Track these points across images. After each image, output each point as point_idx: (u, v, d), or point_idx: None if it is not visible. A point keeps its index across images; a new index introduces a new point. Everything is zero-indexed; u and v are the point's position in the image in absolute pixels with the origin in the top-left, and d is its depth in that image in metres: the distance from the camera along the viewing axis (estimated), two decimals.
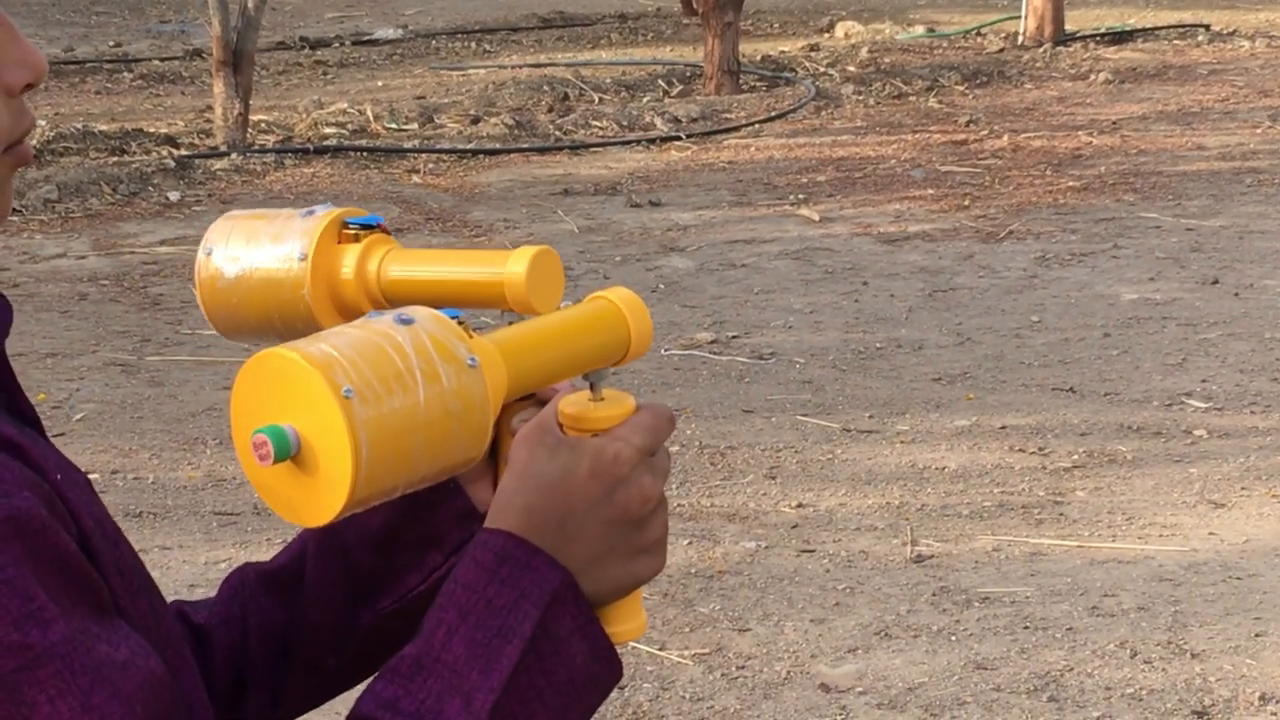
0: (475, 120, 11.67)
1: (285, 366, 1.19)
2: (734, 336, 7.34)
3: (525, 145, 11.11)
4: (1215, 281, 8.00)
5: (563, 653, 1.28)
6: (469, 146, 11.02)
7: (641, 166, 10.66)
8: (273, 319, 1.48)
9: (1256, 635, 4.63)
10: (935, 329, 7.45)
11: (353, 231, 1.49)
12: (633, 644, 4.67)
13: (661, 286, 8.17)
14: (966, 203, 9.59)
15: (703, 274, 8.38)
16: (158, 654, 1.20)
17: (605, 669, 1.31)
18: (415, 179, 10.32)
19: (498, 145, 11.07)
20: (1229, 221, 9.10)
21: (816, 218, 9.35)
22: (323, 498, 1.19)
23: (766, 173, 10.45)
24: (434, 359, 1.22)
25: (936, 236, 8.96)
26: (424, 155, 10.83)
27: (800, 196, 9.81)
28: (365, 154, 10.80)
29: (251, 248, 1.48)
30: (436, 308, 1.51)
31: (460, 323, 1.29)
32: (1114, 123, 11.60)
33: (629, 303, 1.40)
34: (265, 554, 5.27)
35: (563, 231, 9.14)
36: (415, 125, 11.66)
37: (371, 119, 11.67)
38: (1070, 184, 9.96)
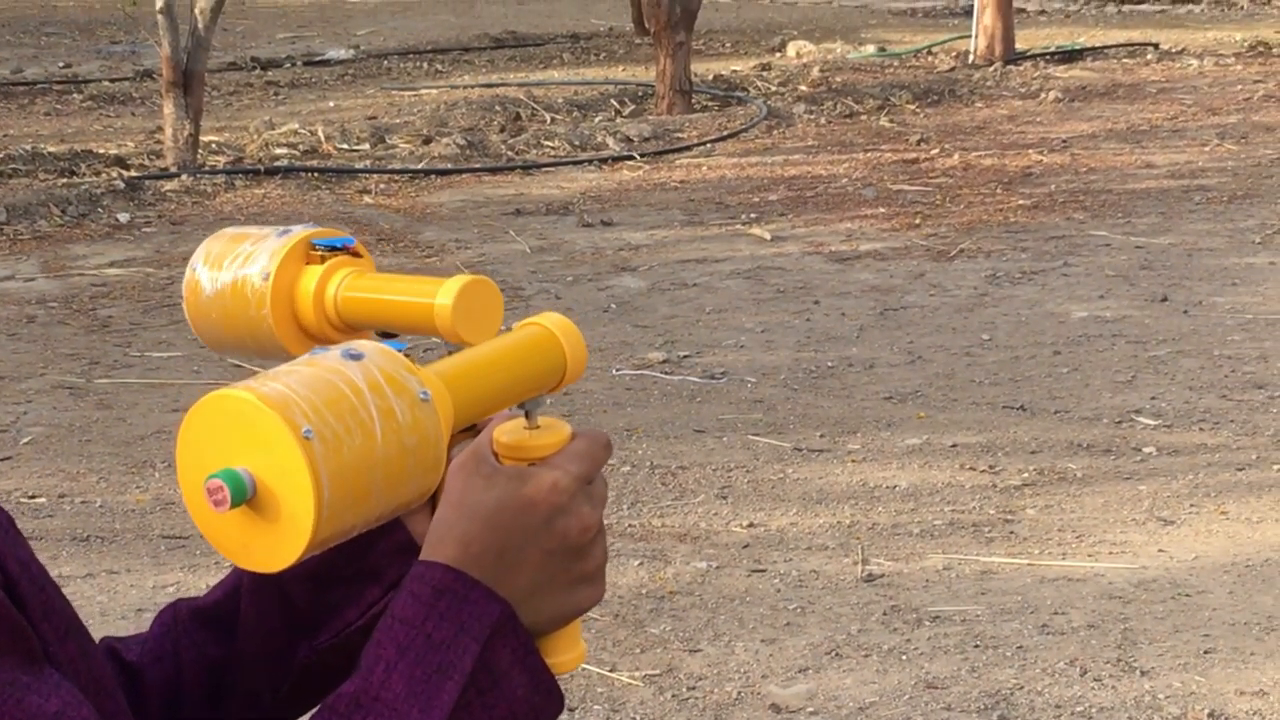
0: (427, 140, 11.66)
1: (239, 408, 1.16)
2: (685, 356, 7.34)
3: (477, 165, 11.11)
4: (1164, 299, 8.04)
5: (503, 686, 1.26)
6: (420, 167, 11.01)
7: (594, 186, 10.67)
8: (244, 337, 1.48)
9: (1205, 652, 4.64)
10: (886, 347, 7.46)
11: (319, 253, 1.49)
12: (584, 665, 4.66)
13: (613, 306, 8.16)
14: (918, 221, 9.62)
15: (655, 293, 8.38)
16: (90, 700, 1.19)
17: (546, 700, 1.29)
18: (367, 199, 10.30)
19: (449, 165, 11.06)
20: (1178, 239, 9.14)
21: (768, 237, 9.36)
22: (282, 542, 1.17)
23: (718, 192, 10.46)
24: (388, 394, 1.21)
25: (888, 255, 8.98)
26: (375, 176, 10.81)
27: (752, 215, 9.82)
28: (316, 175, 10.78)
29: (228, 265, 1.48)
30: (381, 336, 1.51)
31: (407, 355, 1.28)
32: (1064, 141, 11.66)
33: (563, 328, 1.40)
34: (214, 578, 5.24)
35: (515, 251, 9.13)
36: (367, 145, 11.64)
37: (323, 139, 11.65)
38: (1021, 202, 10.00)
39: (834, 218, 9.78)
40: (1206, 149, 11.34)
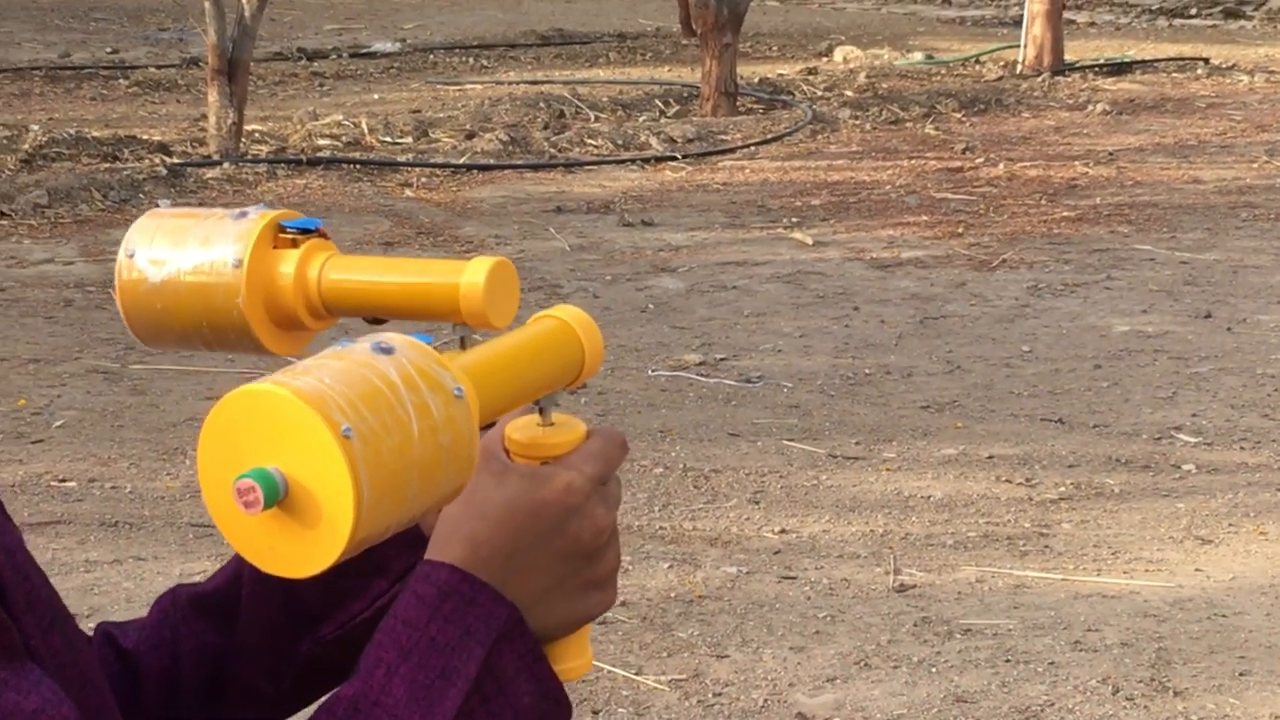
0: (470, 135, 11.63)
1: (271, 404, 1.10)
2: (722, 359, 7.29)
3: (519, 162, 11.07)
4: (1208, 315, 7.96)
5: (509, 693, 1.22)
6: (463, 162, 10.98)
7: (635, 186, 10.62)
8: (200, 327, 1.39)
9: (1240, 674, 4.58)
10: (925, 356, 7.40)
11: (290, 235, 1.41)
12: (608, 668, 4.61)
13: (651, 306, 8.11)
14: (960, 230, 9.55)
15: (693, 295, 8.33)
16: (73, 696, 1.14)
17: (553, 708, 1.25)
18: (408, 193, 10.27)
19: (492, 161, 11.03)
20: (1223, 255, 9.05)
21: (809, 241, 9.30)
22: (315, 545, 1.11)
23: (761, 195, 10.41)
24: (422, 390, 1.15)
25: (929, 263, 8.92)
26: (417, 169, 10.78)
27: (794, 220, 9.76)
28: (358, 166, 10.76)
29: (178, 250, 1.39)
30: (380, 319, 1.46)
31: (435, 348, 1.23)
32: (1110, 154, 11.56)
33: (581, 322, 1.35)
34: None
35: (554, 249, 9.09)
36: (410, 139, 11.61)
37: (366, 132, 11.63)
38: (1065, 214, 9.92)
39: (876, 224, 9.72)
40: (1255, 166, 11.24)
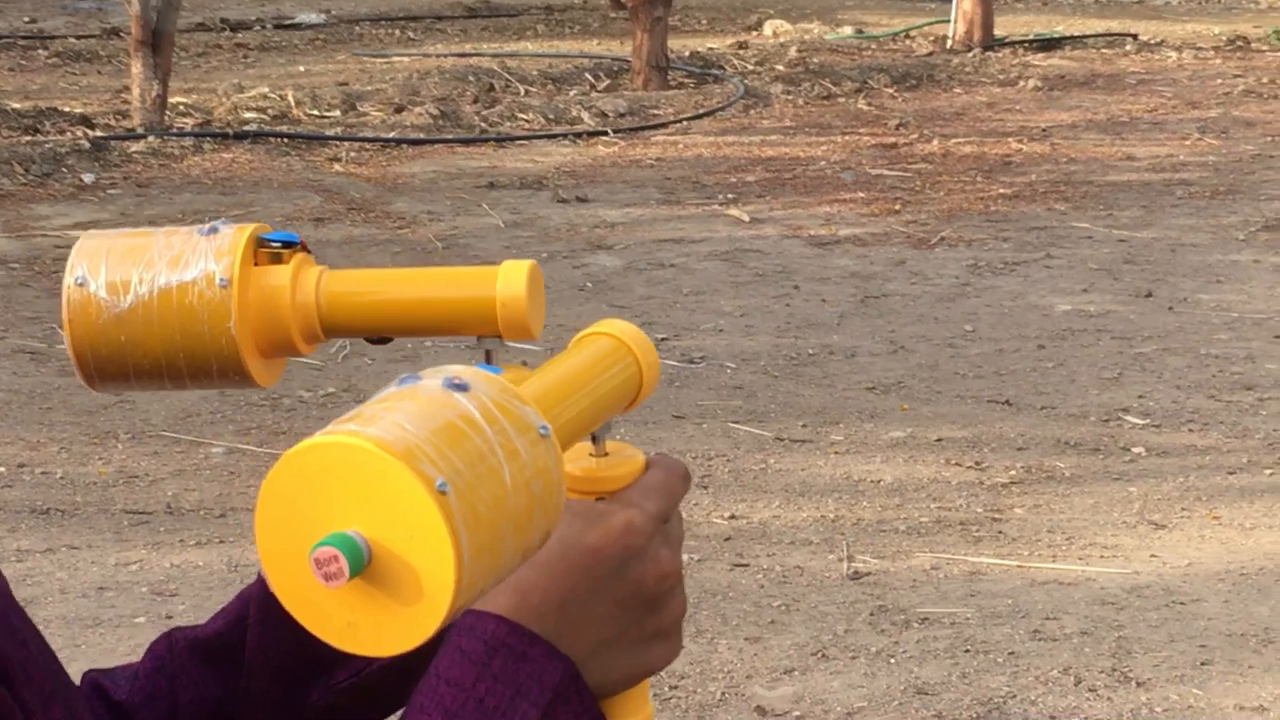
0: (399, 109, 11.46)
1: (350, 457, 0.94)
2: (663, 339, 7.18)
3: (450, 136, 10.92)
4: (1149, 294, 7.91)
5: None
6: (392, 136, 10.82)
7: (568, 161, 10.49)
8: (175, 360, 1.23)
9: (1202, 664, 4.51)
10: (868, 336, 7.31)
11: (274, 249, 1.28)
12: None
13: (589, 285, 7.99)
14: (897, 207, 9.47)
15: (631, 273, 8.21)
16: None
17: None
18: (337, 167, 10.10)
19: (422, 135, 10.87)
20: (1160, 234, 9.02)
21: (746, 218, 9.20)
22: (410, 618, 0.96)
23: (695, 171, 10.30)
24: (508, 431, 1.00)
25: (868, 241, 8.83)
26: (346, 143, 10.61)
27: (729, 196, 9.66)
28: (286, 140, 10.57)
29: (144, 272, 1.23)
30: (384, 339, 1.33)
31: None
32: (1044, 130, 11.52)
33: (636, 340, 1.23)
34: (179, 557, 5.07)
35: (488, 225, 8.95)
36: (337, 112, 11.44)
37: (293, 104, 11.45)
38: (1001, 191, 9.86)
39: (812, 201, 9.63)
40: (1187, 143, 11.22)
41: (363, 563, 0.94)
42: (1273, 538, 5.29)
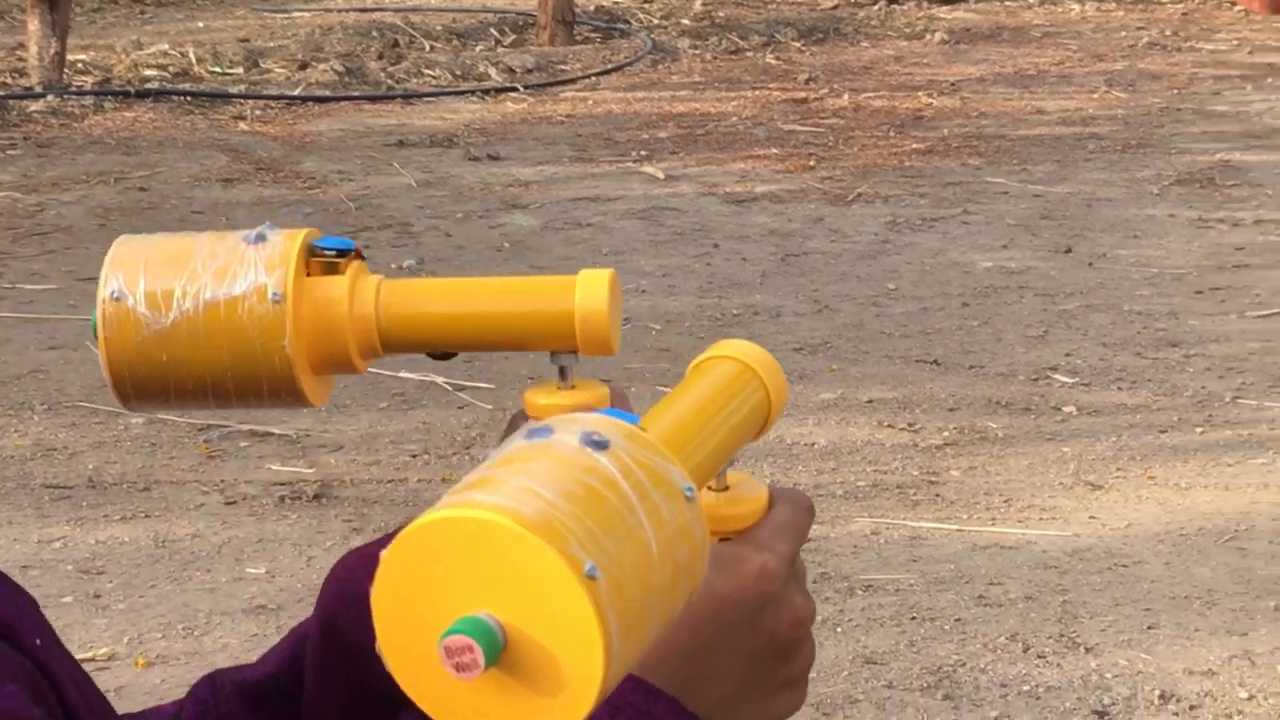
0: (303, 66, 11.28)
1: (485, 535, 0.84)
2: None
3: (357, 93, 10.75)
4: (1068, 250, 7.89)
5: None
6: (298, 93, 10.64)
7: (477, 118, 10.36)
8: (223, 379, 1.13)
9: (1148, 628, 4.49)
10: (791, 295, 7.25)
11: (328, 258, 1.19)
12: None
13: (507, 245, 7.89)
14: (812, 163, 9.41)
15: (548, 232, 8.11)
16: None
17: None
18: (242, 126, 9.92)
19: (328, 92, 10.70)
20: (1075, 188, 9.00)
21: (661, 176, 9.12)
22: (549, 709, 0.86)
23: (606, 127, 10.19)
24: (652, 495, 0.90)
25: (784, 198, 8.77)
26: (251, 101, 10.43)
27: (643, 153, 9.57)
28: (189, 98, 10.38)
29: (187, 284, 1.13)
30: (448, 354, 1.24)
31: (641, 429, 1.00)
32: (953, 84, 11.49)
33: (762, 362, 1.15)
34: (103, 533, 4.94)
35: (400, 185, 8.82)
36: (240, 70, 11.24)
37: (194, 61, 11.23)
38: (915, 146, 9.82)
39: (726, 157, 9.55)
40: (1095, 96, 11.22)
41: (498, 649, 0.85)
42: (1208, 497, 5.28)
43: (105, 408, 5.87)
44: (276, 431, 5.65)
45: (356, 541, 4.88)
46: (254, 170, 8.98)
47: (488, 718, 0.87)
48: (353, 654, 1.18)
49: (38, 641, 0.94)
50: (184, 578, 4.73)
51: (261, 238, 1.16)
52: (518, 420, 1.22)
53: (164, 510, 5.12)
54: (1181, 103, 10.96)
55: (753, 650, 1.04)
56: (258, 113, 10.21)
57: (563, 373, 1.21)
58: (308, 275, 1.17)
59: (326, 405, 5.38)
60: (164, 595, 4.63)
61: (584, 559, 0.84)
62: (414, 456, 5.54)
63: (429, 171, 9.10)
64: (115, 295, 1.13)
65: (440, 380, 6.03)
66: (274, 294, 1.13)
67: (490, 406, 5.94)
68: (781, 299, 7.21)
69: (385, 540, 1.20)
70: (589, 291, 1.17)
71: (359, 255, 1.19)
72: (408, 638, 0.87)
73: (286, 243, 1.16)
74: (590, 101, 10.87)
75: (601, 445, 0.90)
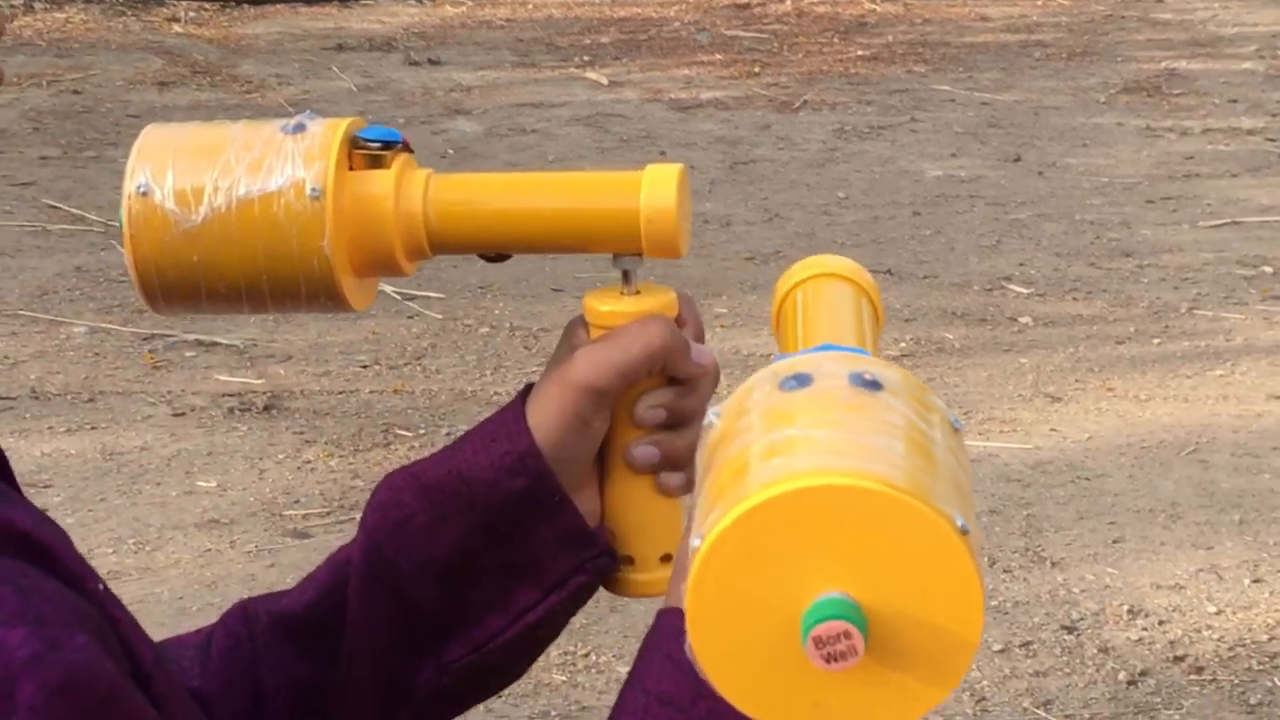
0: None
1: (854, 503, 0.75)
2: None
3: None
4: (1017, 159, 7.83)
5: None
6: None
7: (416, 22, 10.19)
8: (258, 281, 1.06)
9: (1114, 541, 4.45)
10: (741, 204, 7.17)
11: (372, 150, 1.11)
12: None
13: (451, 152, 7.76)
14: (757, 70, 9.30)
15: (492, 139, 7.98)
16: None
17: None
18: (176, 28, 9.72)
19: None
20: (1022, 96, 8.94)
21: (605, 81, 8.99)
22: (911, 690, 0.78)
23: (547, 32, 10.05)
24: (942, 433, 0.83)
25: (730, 104, 8.66)
26: (185, 3, 10.21)
27: (585, 58, 9.44)
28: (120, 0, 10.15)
29: (220, 178, 1.05)
30: (502, 256, 1.16)
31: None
32: None
33: (873, 285, 1.10)
34: (48, 445, 4.83)
35: (340, 89, 8.66)
36: None
37: None
38: (860, 53, 9.73)
39: (670, 63, 9.43)
40: (1039, 3, 11.15)
41: (867, 633, 0.76)
42: (1168, 409, 5.24)
43: (45, 316, 5.74)
44: (223, 341, 5.53)
45: (309, 454, 4.80)
46: (190, 74, 8.80)
47: (826, 708, 0.78)
48: (401, 581, 1.10)
49: (100, 587, 0.85)
50: (133, 491, 4.63)
51: (300, 127, 1.09)
52: (575, 329, 1.14)
53: (110, 422, 5.01)
54: (1126, 9, 10.90)
55: None
56: (191, 14, 10.01)
57: (626, 276, 1.13)
58: (350, 169, 1.09)
59: (274, 315, 5.26)
60: (114, 509, 4.53)
61: (955, 515, 0.77)
62: (364, 367, 5.44)
63: (369, 76, 8.95)
64: (142, 190, 1.05)
65: (389, 290, 5.92)
66: (312, 189, 1.06)
67: (440, 316, 5.83)
68: (731, 207, 7.12)
69: (437, 458, 1.11)
70: (656, 188, 1.08)
71: (407, 147, 1.11)
72: (744, 637, 0.77)
73: (327, 133, 1.09)
74: (530, 5, 10.71)
75: (876, 386, 0.82)
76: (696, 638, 0.78)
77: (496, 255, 1.14)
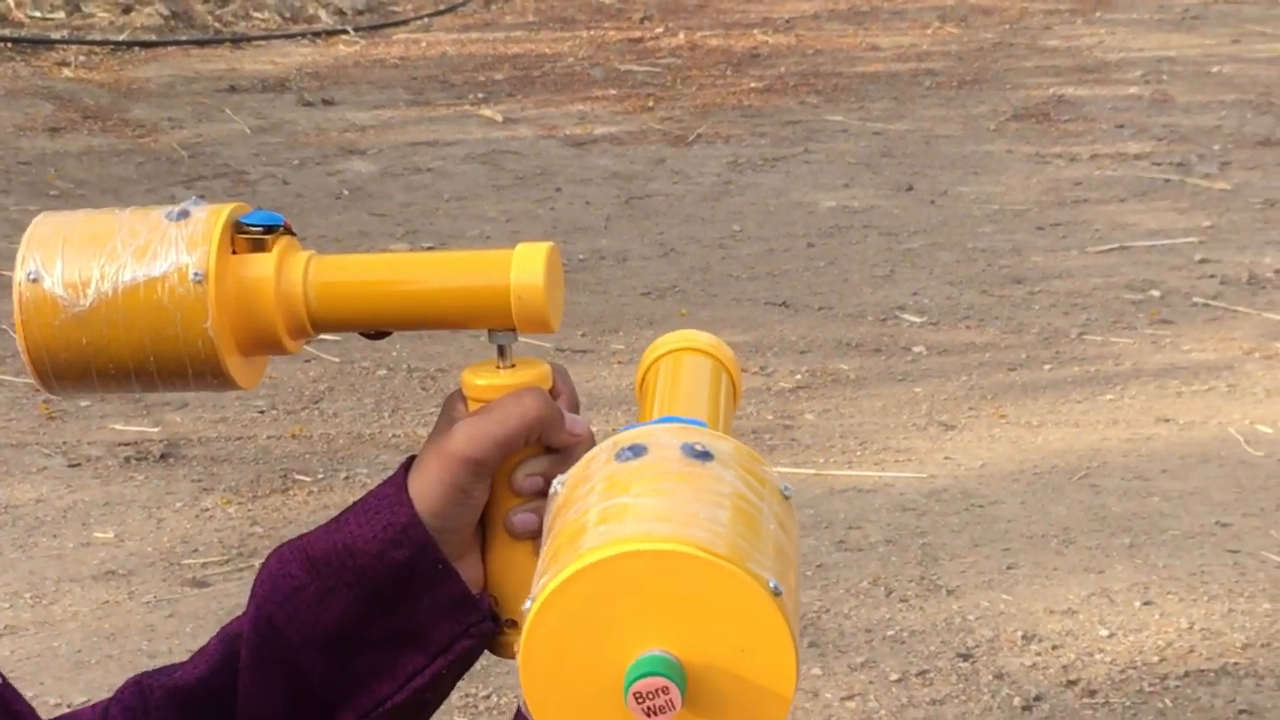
0: (126, 10, 11.00)
1: (667, 567, 0.80)
2: (429, 247, 6.99)
3: (184, 38, 10.52)
4: (910, 188, 7.92)
5: None
6: (123, 38, 10.39)
7: (309, 62, 10.18)
8: (145, 363, 1.09)
9: (1008, 568, 4.51)
10: (636, 239, 7.21)
11: (254, 234, 1.14)
12: None
13: (346, 193, 7.76)
14: (650, 104, 9.36)
15: (387, 178, 7.99)
16: None
17: None
18: (66, 73, 9.67)
19: (154, 37, 10.46)
20: (914, 125, 9.04)
21: (499, 118, 9.02)
22: None
23: (441, 70, 10.07)
24: (770, 501, 0.88)
25: (624, 139, 8.71)
26: (74, 46, 10.16)
27: (480, 96, 9.46)
28: (9, 44, 10.08)
29: (105, 264, 1.09)
30: (377, 331, 1.20)
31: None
32: (787, 21, 11.49)
33: (716, 348, 1.19)
34: (19, 489, 4.79)
35: (233, 132, 8.64)
36: (61, 14, 10.94)
37: (13, 6, 10.92)
38: (752, 85, 9.80)
39: (564, 99, 9.47)
40: (929, 31, 11.27)
41: (685, 688, 0.80)
42: (1059, 435, 5.32)
43: None
44: None
45: (206, 502, 4.79)
46: (81, 119, 8.76)
47: None
48: (291, 651, 1.13)
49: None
50: (29, 544, 4.61)
51: (185, 214, 1.11)
52: (454, 402, 1.18)
53: (4, 475, 4.98)
54: (1014, 37, 11.04)
55: None
56: (82, 59, 9.96)
57: (501, 351, 1.17)
58: (233, 253, 1.13)
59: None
60: (10, 563, 4.51)
61: (768, 577, 0.81)
62: (261, 413, 5.44)
63: (262, 118, 8.93)
64: (32, 276, 1.09)
65: None
66: (195, 274, 1.09)
67: (337, 359, 5.84)
68: (627, 242, 7.16)
69: (323, 531, 1.14)
70: (525, 266, 1.12)
71: (288, 231, 1.14)
72: (572, 691, 0.81)
73: (210, 219, 1.12)
74: (424, 43, 10.73)
75: (706, 456, 0.87)
76: (530, 692, 0.82)
77: (377, 333, 1.18)
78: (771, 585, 0.80)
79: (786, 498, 0.90)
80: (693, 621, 0.80)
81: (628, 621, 0.80)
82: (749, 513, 0.84)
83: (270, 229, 1.14)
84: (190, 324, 1.09)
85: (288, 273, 1.14)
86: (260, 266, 1.13)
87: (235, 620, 1.17)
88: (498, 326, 1.16)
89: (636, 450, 0.86)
